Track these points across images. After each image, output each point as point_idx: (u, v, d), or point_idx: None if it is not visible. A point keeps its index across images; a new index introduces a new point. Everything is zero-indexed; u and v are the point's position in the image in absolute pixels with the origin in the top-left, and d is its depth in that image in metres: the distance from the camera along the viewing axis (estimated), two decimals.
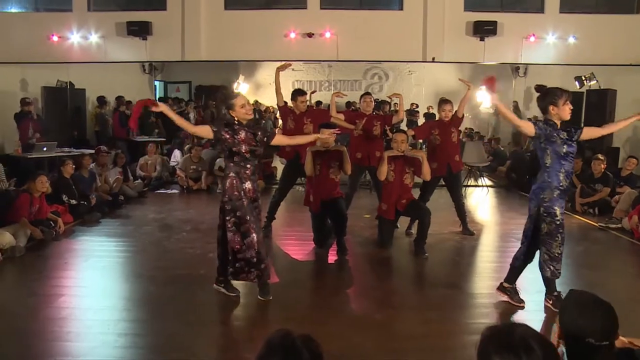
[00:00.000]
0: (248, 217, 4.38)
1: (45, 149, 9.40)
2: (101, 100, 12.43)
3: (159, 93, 15.06)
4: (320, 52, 10.91)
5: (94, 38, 11.07)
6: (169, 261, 5.82)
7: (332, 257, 5.96)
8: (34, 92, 11.43)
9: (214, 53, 11.22)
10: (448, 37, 10.88)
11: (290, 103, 6.86)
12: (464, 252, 6.33)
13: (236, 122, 4.44)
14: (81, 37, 11.06)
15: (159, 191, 10.24)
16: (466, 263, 5.98)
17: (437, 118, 6.95)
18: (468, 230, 6.99)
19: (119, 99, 12.77)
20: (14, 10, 11.57)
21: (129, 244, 6.61)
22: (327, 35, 10.89)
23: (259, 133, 4.50)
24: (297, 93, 6.78)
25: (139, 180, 10.24)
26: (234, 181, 4.40)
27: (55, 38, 11.00)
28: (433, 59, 10.90)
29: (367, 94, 7.31)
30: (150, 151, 10.87)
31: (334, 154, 6.00)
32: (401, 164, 6.09)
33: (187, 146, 11.55)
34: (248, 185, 4.41)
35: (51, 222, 6.97)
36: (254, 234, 4.39)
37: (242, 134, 4.39)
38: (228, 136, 4.38)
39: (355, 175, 7.19)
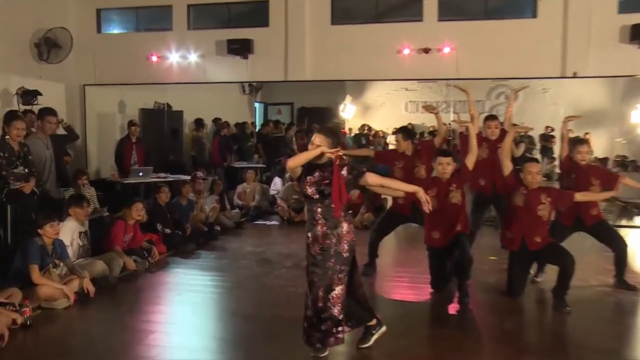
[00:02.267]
0: (309, 269, 4.31)
1: (141, 174, 9.82)
2: (199, 123, 12.91)
3: (259, 115, 15.43)
4: (437, 70, 10.73)
5: (193, 57, 11.57)
6: (268, 299, 5.83)
7: (452, 305, 5.75)
8: (131, 114, 12.08)
9: (319, 72, 11.35)
10: (595, 47, 10.20)
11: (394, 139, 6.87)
12: (620, 309, 5.80)
13: (314, 164, 4.28)
14: (180, 56, 11.61)
15: (257, 222, 10.40)
16: (624, 323, 5.42)
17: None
18: (625, 283, 6.32)
19: (217, 121, 13.23)
20: (116, 31, 12.42)
21: (224, 278, 6.70)
22: (446, 50, 10.71)
23: (344, 172, 4.29)
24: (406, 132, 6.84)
25: (237, 210, 10.46)
26: (307, 226, 4.37)
27: (154, 58, 11.61)
28: (575, 73, 10.30)
29: (492, 117, 7.04)
30: (249, 178, 11.09)
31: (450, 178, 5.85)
32: (536, 193, 5.76)
33: (289, 174, 11.66)
34: (318, 230, 4.28)
35: (145, 252, 7.22)
36: (309, 291, 4.28)
37: (316, 175, 4.27)
38: (303, 177, 4.31)
39: (479, 208, 6.92)
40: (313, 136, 4.27)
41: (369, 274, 6.62)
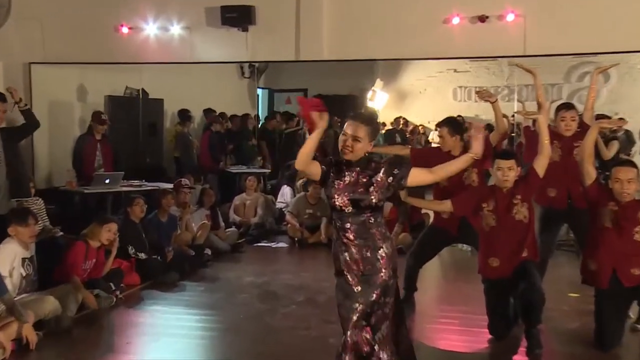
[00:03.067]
0: (345, 303, 4.31)
1: (108, 181, 9.83)
2: (184, 115, 12.96)
3: (263, 105, 15.49)
4: (497, 44, 10.60)
5: (177, 29, 11.53)
6: (273, 346, 5.83)
7: (517, 357, 5.73)
8: (94, 102, 12.10)
9: (340, 50, 11.24)
10: None
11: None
12: None
13: (344, 160, 4.33)
14: (159, 28, 11.57)
15: (260, 244, 10.46)
16: None
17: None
18: None
19: (209, 113, 13.30)
20: None
21: (216, 318, 6.71)
22: (510, 17, 10.59)
23: (382, 174, 4.29)
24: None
25: (233, 228, 10.50)
26: (334, 249, 4.40)
27: (125, 30, 11.57)
28: None
29: (567, 106, 6.92)
30: (250, 187, 11.14)
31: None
32: (631, 209, 5.70)
33: (301, 181, 11.69)
34: (354, 253, 4.30)
35: (111, 284, 7.25)
36: (349, 332, 4.26)
37: (347, 179, 4.30)
38: (330, 181, 4.33)
39: (549, 227, 6.82)
40: (345, 125, 4.29)
41: (406, 312, 6.58)
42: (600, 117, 9.63)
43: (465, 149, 6.48)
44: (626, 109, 9.89)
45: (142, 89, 12.78)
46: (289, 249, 10.20)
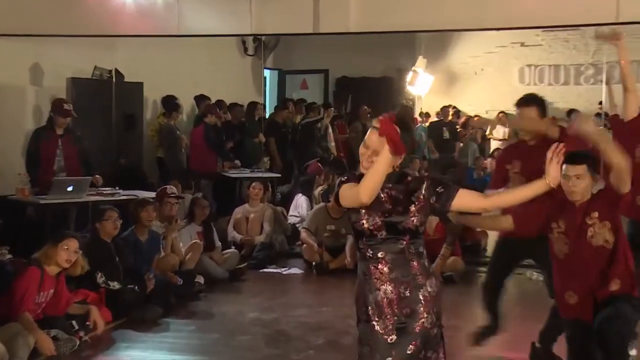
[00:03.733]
0: (366, 356, 4.24)
1: (71, 188, 9.78)
2: (170, 104, 12.97)
3: (271, 90, 15.47)
4: (578, 10, 10.52)
5: None
6: None
7: None
8: (53, 87, 12.08)
9: (370, 20, 11.21)
10: None
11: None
12: None
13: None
14: None
15: (267, 269, 10.44)
16: None
17: None
18: None
19: (202, 101, 13.29)
20: None
21: None
22: None
23: (424, 191, 4.23)
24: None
25: (233, 250, 10.47)
26: (359, 287, 4.30)
27: None
28: None
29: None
30: (255, 196, 11.10)
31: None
32: None
33: (320, 188, 11.62)
34: (389, 290, 4.20)
35: (73, 323, 7.15)
36: None
37: (380, 195, 4.16)
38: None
39: None
40: (368, 133, 4.16)
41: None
42: None
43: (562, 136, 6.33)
44: None
45: (116, 70, 12.78)
46: (305, 277, 10.18)
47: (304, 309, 8.55)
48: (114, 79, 12.75)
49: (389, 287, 4.16)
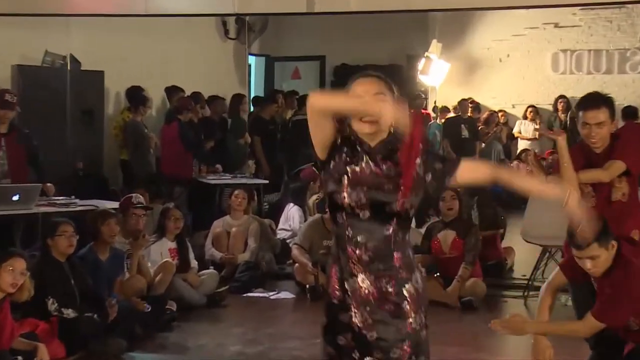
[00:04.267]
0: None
1: (17, 197, 9.81)
2: (136, 97, 12.98)
3: (257, 80, 15.49)
4: None
5: None
6: None
7: None
8: None
9: None
10: None
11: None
12: None
13: (358, 140, 4.21)
14: None
15: (252, 294, 10.38)
16: None
17: None
18: None
19: (175, 94, 13.31)
20: None
21: None
22: None
23: (417, 168, 4.16)
24: None
25: (211, 270, 10.47)
26: (333, 271, 4.31)
27: None
28: None
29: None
30: (237, 207, 11.09)
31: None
32: None
33: (315, 197, 11.80)
34: (364, 280, 4.22)
35: (19, 358, 7.22)
36: None
37: (365, 167, 4.21)
38: (333, 164, 4.20)
39: None
40: (355, 82, 4.19)
41: None
42: None
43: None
44: None
45: (71, 56, 12.84)
46: (297, 302, 10.10)
47: (296, 340, 8.43)
48: (68, 67, 12.81)
49: (367, 278, 4.18)
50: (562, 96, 14.64)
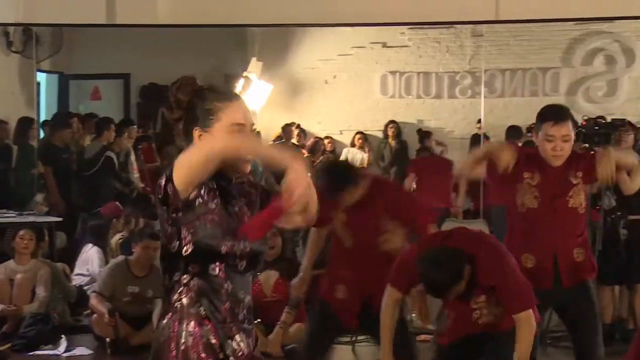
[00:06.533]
0: None
1: None
2: None
3: (48, 101, 15.33)
4: (454, 3, 10.83)
5: None
6: None
7: None
8: None
9: (186, 9, 11.31)
10: None
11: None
12: None
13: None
14: None
15: (40, 352, 10.10)
16: None
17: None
18: None
19: None
20: None
21: None
22: None
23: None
24: None
25: None
26: (198, 327, 4.08)
27: None
28: None
29: (557, 115, 6.94)
30: (23, 250, 10.85)
31: None
32: None
33: (119, 236, 11.61)
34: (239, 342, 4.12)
35: None
36: None
37: (242, 203, 4.20)
38: (209, 203, 4.07)
39: None
40: (226, 105, 4.02)
41: None
42: (616, 125, 10.05)
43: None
44: None
45: None
46: (95, 359, 9.91)
47: None
48: None
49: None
50: (392, 121, 14.83)
